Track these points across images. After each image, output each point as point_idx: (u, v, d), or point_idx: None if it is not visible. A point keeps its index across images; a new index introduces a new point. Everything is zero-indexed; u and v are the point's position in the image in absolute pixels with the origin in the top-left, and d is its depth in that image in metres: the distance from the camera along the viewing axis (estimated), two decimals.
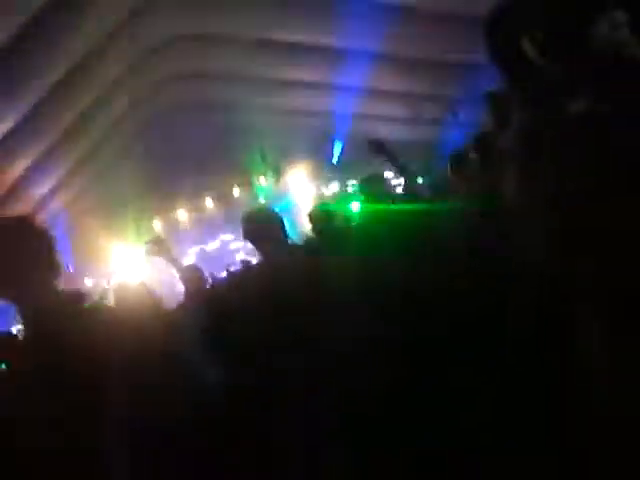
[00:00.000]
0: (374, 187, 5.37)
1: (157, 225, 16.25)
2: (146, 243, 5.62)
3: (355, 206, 8.95)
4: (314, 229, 5.71)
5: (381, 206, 5.03)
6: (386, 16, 10.48)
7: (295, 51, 12.16)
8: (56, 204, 13.30)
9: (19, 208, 11.67)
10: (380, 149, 5.35)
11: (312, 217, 5.78)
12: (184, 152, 15.16)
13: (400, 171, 5.59)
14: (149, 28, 11.08)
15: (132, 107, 13.46)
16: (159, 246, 5.35)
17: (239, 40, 12.01)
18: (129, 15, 10.10)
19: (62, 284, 2.52)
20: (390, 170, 6.04)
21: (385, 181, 5.87)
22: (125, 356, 2.35)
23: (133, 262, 14.80)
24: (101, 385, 2.27)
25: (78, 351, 2.29)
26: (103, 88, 11.54)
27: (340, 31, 11.50)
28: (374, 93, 13.82)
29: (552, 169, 1.73)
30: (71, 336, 2.34)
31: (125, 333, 2.48)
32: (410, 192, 5.48)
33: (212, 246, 16.57)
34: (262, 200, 16.77)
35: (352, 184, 16.12)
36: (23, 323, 2.46)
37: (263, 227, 4.03)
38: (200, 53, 12.74)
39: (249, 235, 4.07)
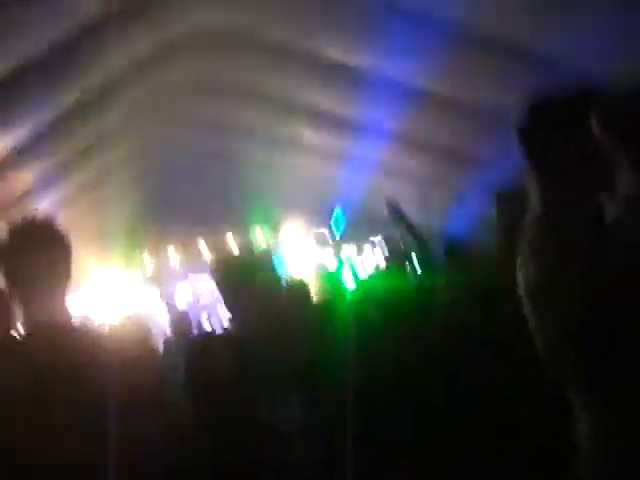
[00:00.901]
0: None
1: (148, 258, 16.14)
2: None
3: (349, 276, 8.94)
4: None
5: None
6: (405, 96, 10.62)
7: (310, 114, 12.26)
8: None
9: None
10: (397, 209, 5.41)
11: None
12: (184, 192, 15.22)
13: (415, 235, 5.56)
14: (162, 75, 11.23)
15: (138, 147, 13.62)
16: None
17: (253, 95, 12.13)
18: (139, 61, 10.25)
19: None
20: (403, 233, 5.97)
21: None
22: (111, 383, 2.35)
23: (121, 290, 14.75)
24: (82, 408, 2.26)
25: (68, 371, 2.29)
26: (111, 125, 11.65)
27: (358, 102, 11.67)
28: (384, 170, 13.93)
29: None
30: (65, 356, 2.33)
31: (116, 360, 2.49)
32: (425, 257, 5.43)
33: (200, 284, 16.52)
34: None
35: (346, 253, 16.14)
36: (24, 326, 2.45)
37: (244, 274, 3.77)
38: (214, 102, 12.90)
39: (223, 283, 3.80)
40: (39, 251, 2.37)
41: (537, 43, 8.56)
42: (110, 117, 11.27)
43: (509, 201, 4.20)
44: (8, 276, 2.42)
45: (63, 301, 2.46)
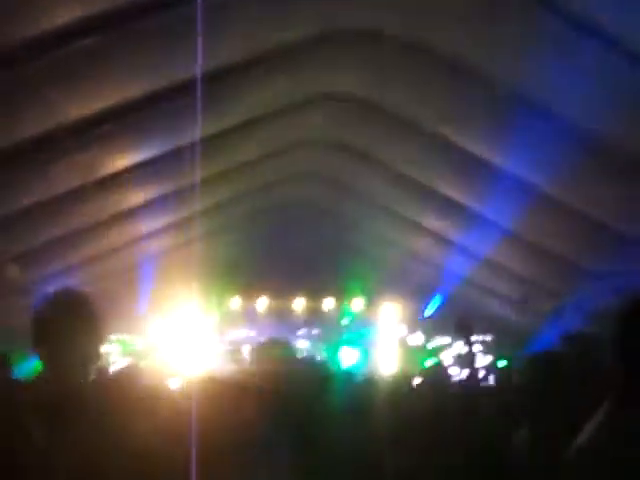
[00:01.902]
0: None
1: (238, 304, 16.38)
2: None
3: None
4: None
5: None
6: (524, 196, 10.46)
7: (431, 197, 12.27)
8: (157, 246, 13.71)
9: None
10: (465, 331, 5.44)
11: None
12: (287, 249, 15.45)
13: (469, 360, 5.69)
14: (289, 128, 11.56)
15: (257, 194, 14.00)
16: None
17: (380, 166, 12.26)
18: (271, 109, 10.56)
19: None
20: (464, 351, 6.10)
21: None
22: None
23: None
24: None
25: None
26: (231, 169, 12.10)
27: (478, 194, 11.60)
28: (490, 265, 13.72)
29: None
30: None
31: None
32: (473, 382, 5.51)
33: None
34: (345, 321, 16.72)
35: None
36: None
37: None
38: (340, 165, 13.16)
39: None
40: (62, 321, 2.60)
41: None
42: (230, 157, 11.65)
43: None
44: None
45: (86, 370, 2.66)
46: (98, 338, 2.63)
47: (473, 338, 5.64)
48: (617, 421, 1.90)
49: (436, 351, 15.72)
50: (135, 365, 7.90)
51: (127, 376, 7.15)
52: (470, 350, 5.55)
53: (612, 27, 6.78)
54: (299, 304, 16.67)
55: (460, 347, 13.51)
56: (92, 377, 2.65)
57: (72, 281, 13.04)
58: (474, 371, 5.65)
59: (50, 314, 2.58)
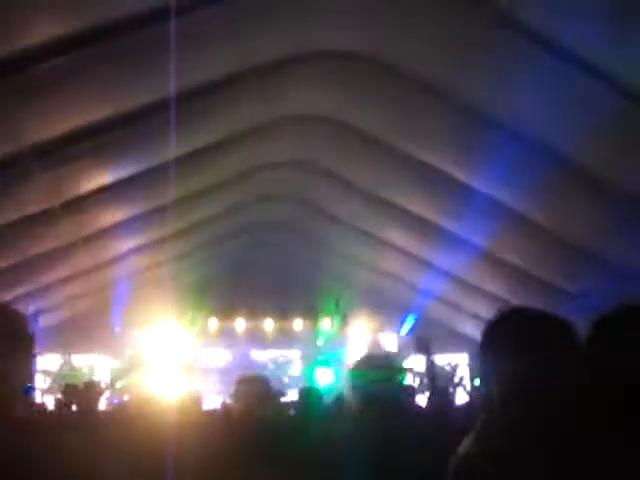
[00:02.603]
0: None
1: (212, 324, 16.32)
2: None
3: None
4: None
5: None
6: (497, 215, 10.53)
7: (401, 215, 12.31)
8: (132, 263, 13.64)
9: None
10: (423, 350, 5.49)
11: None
12: (258, 269, 15.47)
13: (429, 382, 5.67)
14: (262, 148, 11.62)
15: (227, 215, 14.02)
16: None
17: (351, 186, 12.30)
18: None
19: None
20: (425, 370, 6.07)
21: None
22: None
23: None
24: None
25: None
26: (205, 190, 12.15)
27: (450, 213, 11.66)
28: (462, 284, 13.78)
29: None
30: None
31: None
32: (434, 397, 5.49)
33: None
34: (320, 342, 16.70)
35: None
36: None
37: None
38: (311, 185, 13.20)
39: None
40: None
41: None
42: (207, 176, 11.65)
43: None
44: None
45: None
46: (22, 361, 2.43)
47: (436, 357, 5.64)
48: None
49: (407, 370, 15.69)
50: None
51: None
52: (430, 368, 5.55)
53: (576, 44, 6.89)
54: (271, 324, 16.62)
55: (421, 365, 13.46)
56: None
57: (43, 302, 12.97)
58: (437, 389, 5.61)
59: None
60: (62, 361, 15.64)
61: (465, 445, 2.01)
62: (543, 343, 1.99)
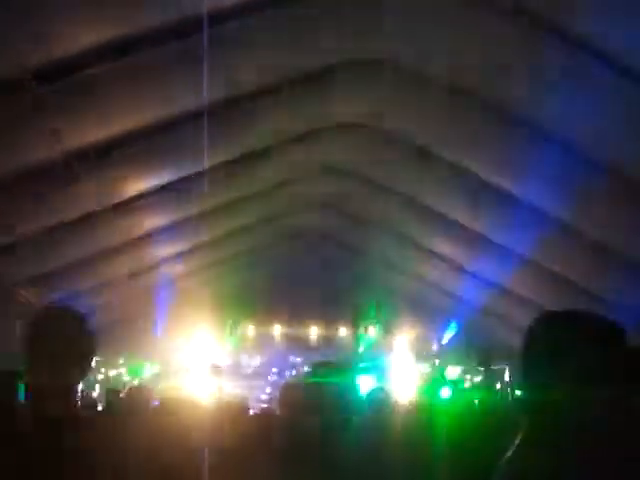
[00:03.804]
0: None
1: (251, 330, 16.33)
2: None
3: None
4: None
5: None
6: (542, 226, 10.33)
7: (443, 223, 12.17)
8: (172, 269, 13.72)
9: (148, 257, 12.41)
10: (484, 362, 5.52)
11: None
12: (300, 276, 15.43)
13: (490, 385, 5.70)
14: (299, 156, 11.59)
15: (265, 222, 14.09)
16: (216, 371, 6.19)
17: (395, 194, 12.18)
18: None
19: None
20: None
21: None
22: None
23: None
24: None
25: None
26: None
27: (494, 222, 11.49)
28: (506, 294, 13.56)
29: None
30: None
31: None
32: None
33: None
34: (361, 349, 16.61)
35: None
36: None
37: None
38: (354, 193, 13.15)
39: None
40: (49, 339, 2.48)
41: None
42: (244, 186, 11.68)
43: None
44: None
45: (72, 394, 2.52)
46: (84, 359, 2.47)
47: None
48: None
49: (452, 380, 15.55)
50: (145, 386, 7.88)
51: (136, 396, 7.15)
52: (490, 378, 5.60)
53: (625, 53, 6.71)
54: (311, 331, 16.57)
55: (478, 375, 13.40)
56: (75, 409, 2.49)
57: (84, 307, 13.11)
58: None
59: (30, 333, 2.44)
60: (105, 364, 15.80)
61: (513, 457, 1.89)
62: (592, 348, 1.84)
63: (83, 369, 2.50)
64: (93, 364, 2.62)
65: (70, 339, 2.46)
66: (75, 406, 2.52)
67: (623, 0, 6.35)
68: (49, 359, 2.40)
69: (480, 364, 5.30)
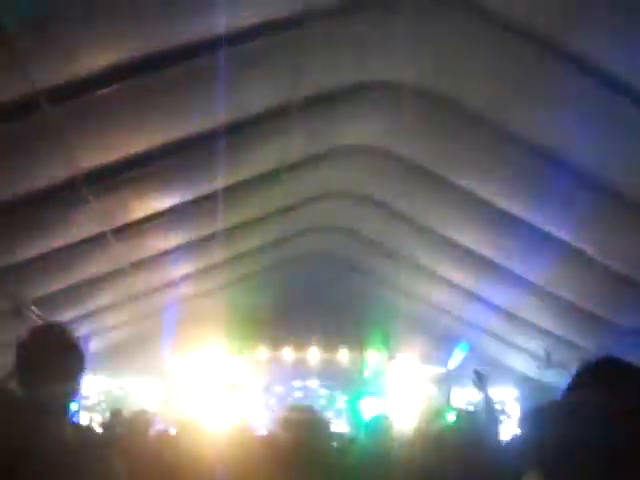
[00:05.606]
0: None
1: (259, 353, 16.30)
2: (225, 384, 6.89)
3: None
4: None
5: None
6: (550, 249, 10.30)
7: (451, 247, 12.16)
8: (181, 290, 13.74)
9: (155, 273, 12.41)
10: (480, 384, 5.63)
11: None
12: (307, 299, 15.44)
13: (489, 409, 5.71)
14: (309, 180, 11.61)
15: (275, 245, 14.16)
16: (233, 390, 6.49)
17: (403, 218, 12.19)
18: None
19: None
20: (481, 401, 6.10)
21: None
22: None
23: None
24: None
25: None
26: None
27: (501, 246, 11.47)
28: (513, 318, 13.51)
29: None
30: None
31: None
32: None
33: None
34: (366, 373, 16.52)
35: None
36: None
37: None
38: (362, 217, 13.18)
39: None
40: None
41: None
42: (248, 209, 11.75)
43: None
44: None
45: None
46: (68, 374, 2.51)
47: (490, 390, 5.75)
48: None
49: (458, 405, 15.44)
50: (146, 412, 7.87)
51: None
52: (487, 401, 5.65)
53: (630, 76, 6.75)
54: (316, 355, 16.51)
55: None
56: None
57: (93, 326, 13.12)
58: (492, 419, 5.62)
59: (16, 351, 2.50)
60: (111, 384, 15.77)
61: None
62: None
63: (68, 385, 2.51)
64: (81, 381, 2.63)
65: (52, 355, 2.50)
66: (66, 425, 2.53)
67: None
68: (33, 374, 2.45)
69: (476, 386, 5.37)
